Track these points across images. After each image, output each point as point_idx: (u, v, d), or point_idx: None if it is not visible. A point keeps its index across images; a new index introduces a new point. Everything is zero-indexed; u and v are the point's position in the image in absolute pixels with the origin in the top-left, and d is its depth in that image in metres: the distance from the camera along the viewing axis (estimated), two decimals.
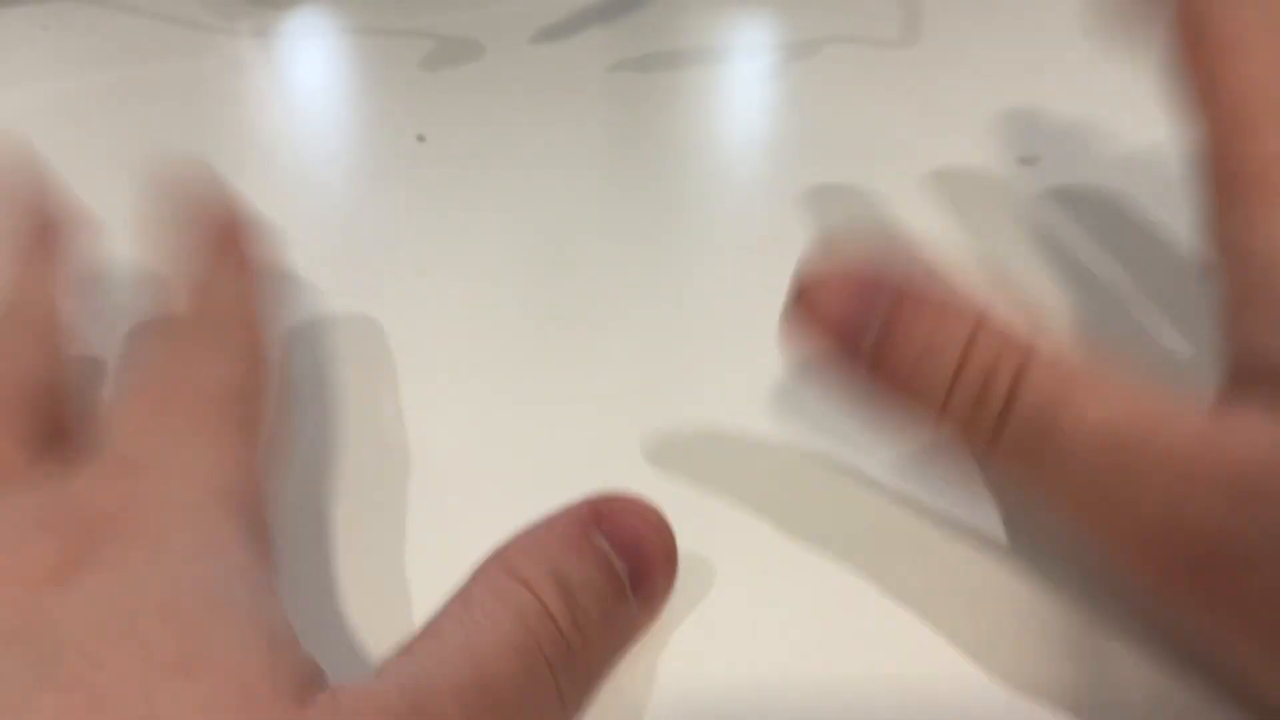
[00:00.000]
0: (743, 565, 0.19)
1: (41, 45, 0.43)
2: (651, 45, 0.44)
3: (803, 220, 0.30)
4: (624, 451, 0.22)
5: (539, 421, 0.23)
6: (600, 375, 0.24)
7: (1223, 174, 0.18)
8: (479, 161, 0.34)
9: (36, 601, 0.13)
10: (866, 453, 0.21)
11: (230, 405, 0.17)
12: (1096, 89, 0.39)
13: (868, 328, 0.17)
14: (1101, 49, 0.42)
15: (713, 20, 0.47)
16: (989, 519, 0.20)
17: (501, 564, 0.15)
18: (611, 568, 0.16)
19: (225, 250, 0.21)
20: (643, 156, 0.34)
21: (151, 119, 0.37)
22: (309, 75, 0.42)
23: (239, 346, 0.19)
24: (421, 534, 0.20)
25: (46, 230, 0.22)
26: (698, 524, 0.20)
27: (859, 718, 0.16)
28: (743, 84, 0.41)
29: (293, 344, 0.24)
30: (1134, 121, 0.37)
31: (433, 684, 0.14)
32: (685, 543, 0.18)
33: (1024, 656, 0.17)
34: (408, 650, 0.15)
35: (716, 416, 0.22)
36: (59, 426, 0.18)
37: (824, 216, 0.31)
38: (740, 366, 0.24)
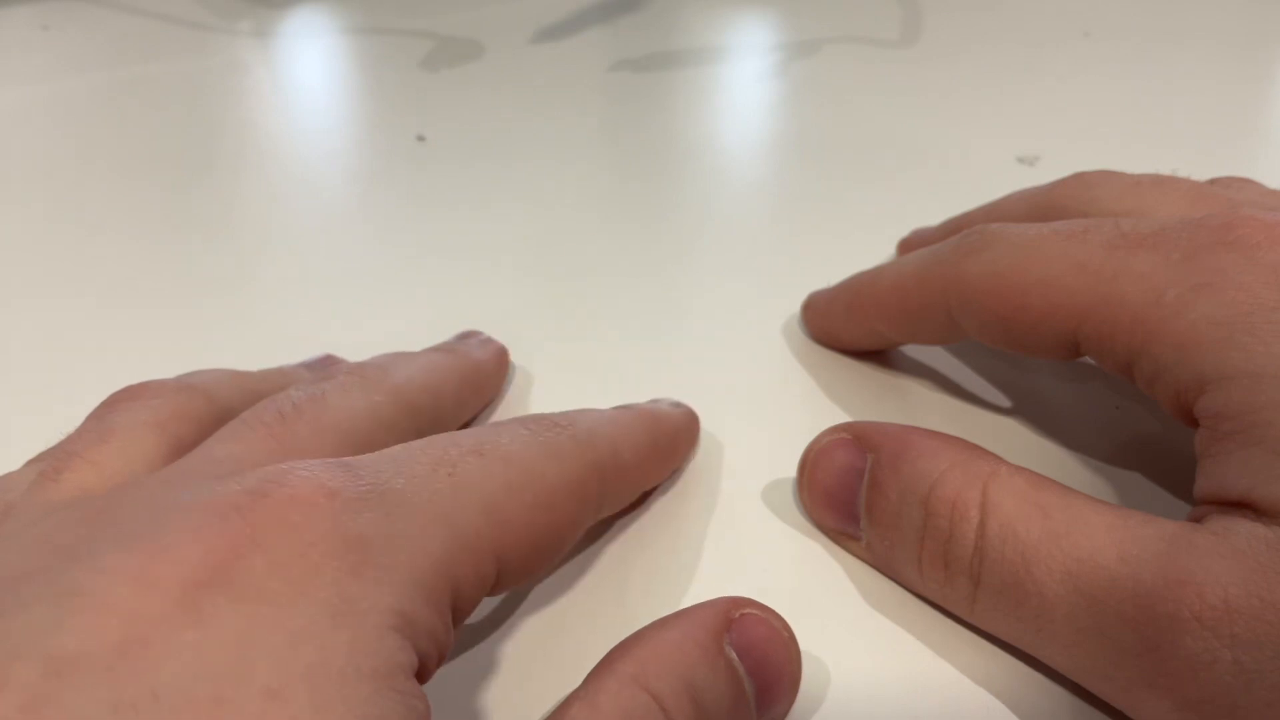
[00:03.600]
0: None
1: (41, 45, 0.43)
2: (651, 45, 0.44)
3: (802, 220, 0.30)
4: None
5: None
6: (600, 375, 0.24)
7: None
8: (479, 161, 0.34)
9: (141, 630, 0.11)
10: None
11: (506, 512, 0.15)
12: (1096, 89, 0.39)
13: (858, 490, 0.19)
14: (1102, 49, 0.42)
15: (713, 20, 0.47)
16: None
17: (632, 671, 0.14)
18: (741, 686, 0.15)
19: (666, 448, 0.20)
20: (642, 156, 0.34)
21: (151, 119, 0.37)
22: (309, 75, 0.42)
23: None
24: None
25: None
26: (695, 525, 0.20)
27: None
28: (743, 84, 0.41)
29: (292, 344, 0.24)
30: (1134, 121, 0.37)
31: None
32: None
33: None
34: None
35: (716, 416, 0.22)
36: None
37: (824, 217, 0.31)
38: (740, 366, 0.24)
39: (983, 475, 0.17)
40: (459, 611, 0.14)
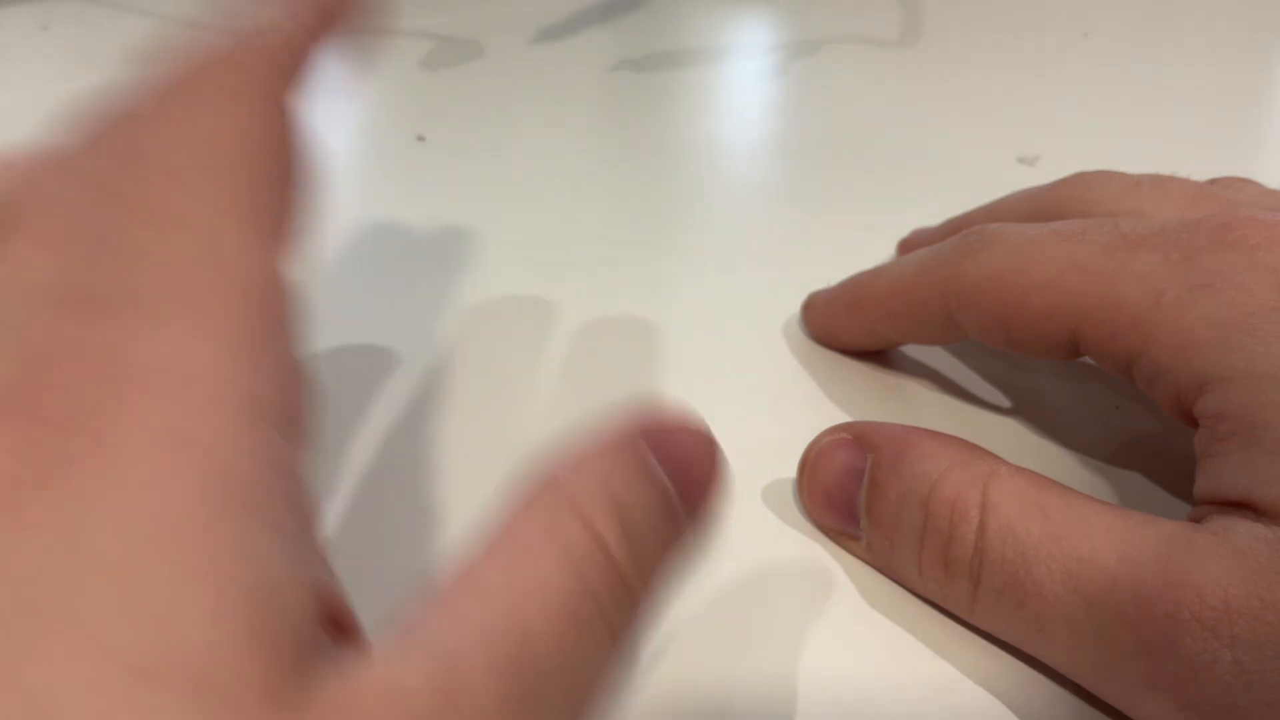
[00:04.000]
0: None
1: (41, 45, 0.43)
2: (651, 45, 0.44)
3: (802, 220, 0.31)
4: None
5: (537, 423, 0.23)
6: (599, 375, 0.24)
7: None
8: (479, 161, 0.34)
9: None
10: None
11: (248, 178, 0.13)
12: (1096, 89, 0.39)
13: (858, 491, 0.19)
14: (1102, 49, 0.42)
15: (713, 20, 0.47)
16: None
17: (557, 493, 0.13)
18: (667, 494, 0.14)
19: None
20: (642, 156, 0.34)
21: None
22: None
23: (272, 101, 0.15)
24: (424, 534, 0.20)
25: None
26: None
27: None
28: (743, 84, 0.41)
29: None
30: (1134, 121, 0.37)
31: (466, 657, 0.11)
32: None
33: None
34: (440, 600, 0.12)
35: (717, 416, 0.22)
36: None
37: (823, 217, 0.31)
38: (740, 366, 0.24)
39: (983, 476, 0.17)
40: (290, 320, 0.13)
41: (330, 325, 0.25)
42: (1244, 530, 0.15)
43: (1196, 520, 0.16)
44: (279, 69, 0.15)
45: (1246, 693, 0.14)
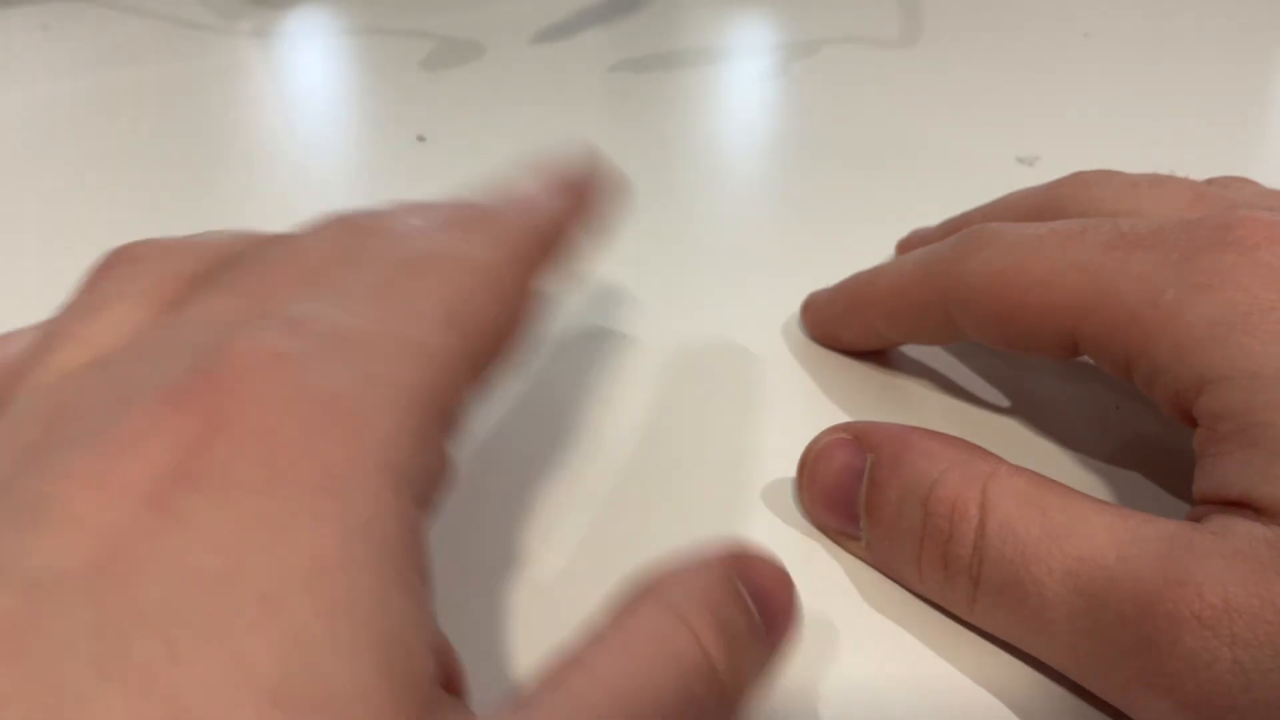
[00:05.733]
0: None
1: (41, 45, 0.43)
2: (651, 45, 0.44)
3: (802, 220, 0.31)
4: (623, 450, 0.22)
5: (537, 423, 0.23)
6: (599, 375, 0.24)
7: None
8: (479, 161, 0.34)
9: (116, 542, 0.10)
10: None
11: (468, 317, 0.14)
12: (1096, 89, 0.39)
13: (857, 489, 0.19)
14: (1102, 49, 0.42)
15: (713, 20, 0.47)
16: None
17: (659, 599, 0.14)
18: (754, 618, 0.15)
19: (565, 184, 0.18)
20: (642, 156, 0.34)
21: (151, 119, 0.37)
22: (309, 75, 0.42)
23: (516, 258, 0.15)
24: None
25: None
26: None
27: None
28: (743, 84, 0.41)
29: None
30: (1133, 121, 0.37)
31: None
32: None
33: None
34: (556, 683, 0.13)
35: (717, 416, 0.22)
36: None
37: (823, 217, 0.31)
38: (740, 366, 0.24)
39: (982, 475, 0.17)
40: (453, 428, 0.14)
41: None
42: (1243, 529, 0.15)
43: (1196, 520, 0.16)
44: (540, 239, 0.17)
45: (1246, 692, 0.14)
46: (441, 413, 0.13)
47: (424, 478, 0.12)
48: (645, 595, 0.14)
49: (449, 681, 0.12)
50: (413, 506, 0.12)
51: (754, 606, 0.15)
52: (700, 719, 0.13)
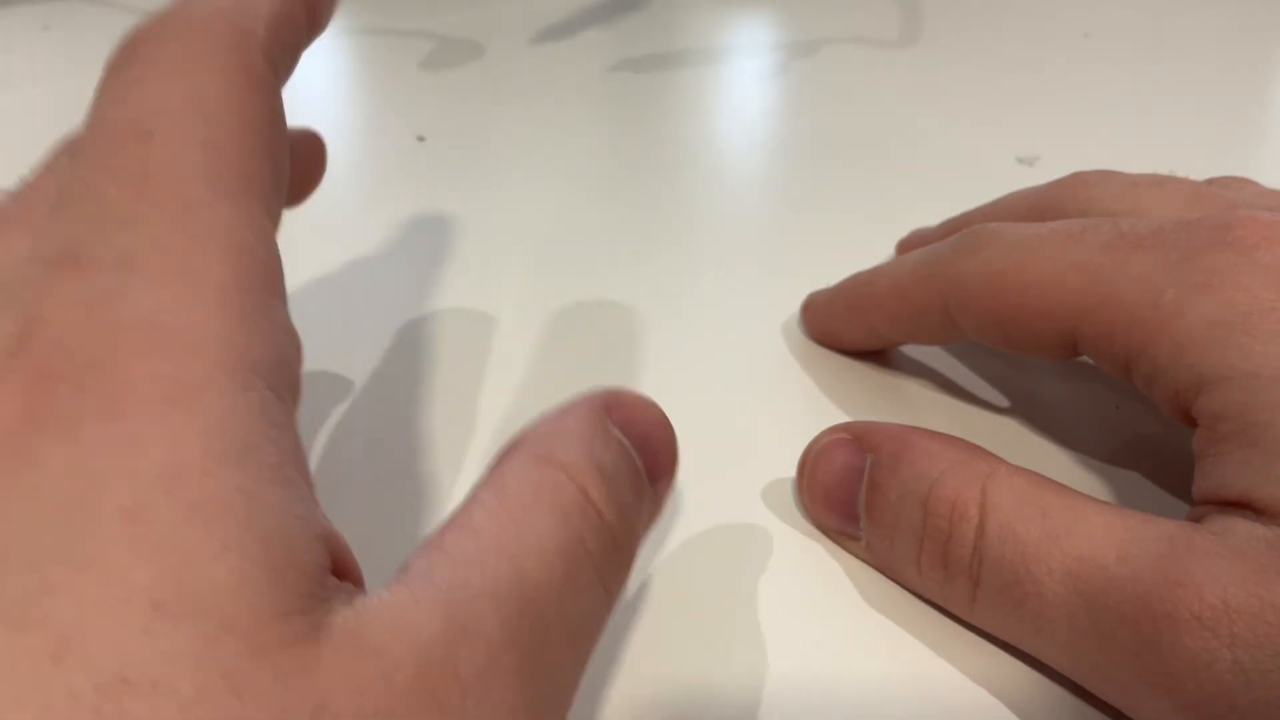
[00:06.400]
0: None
1: (41, 45, 0.43)
2: (651, 45, 0.44)
3: (802, 220, 0.31)
4: None
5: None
6: (599, 375, 0.24)
7: None
8: (479, 161, 0.34)
9: None
10: None
11: (240, 147, 0.14)
12: (1096, 89, 0.39)
13: (857, 488, 0.19)
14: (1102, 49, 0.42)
15: (713, 20, 0.47)
16: None
17: (534, 450, 0.14)
18: (634, 461, 0.15)
19: None
20: (642, 156, 0.34)
21: None
22: (309, 75, 0.42)
23: (267, 71, 0.15)
24: (419, 528, 0.20)
25: None
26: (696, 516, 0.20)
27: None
28: (743, 84, 0.41)
29: None
30: (1133, 121, 0.37)
31: (471, 594, 0.12)
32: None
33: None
34: (439, 546, 0.13)
35: (717, 416, 0.22)
36: None
37: (823, 217, 0.31)
38: (740, 366, 0.24)
39: (982, 475, 0.17)
40: (280, 297, 0.13)
41: (330, 324, 0.25)
42: (1243, 530, 0.15)
43: (1196, 520, 0.16)
44: (275, 39, 0.16)
45: (1246, 692, 0.14)
46: (266, 285, 0.13)
47: (272, 363, 0.12)
48: (515, 449, 0.14)
49: (343, 570, 0.12)
50: (270, 396, 0.12)
51: (632, 448, 0.15)
52: (591, 564, 0.13)
